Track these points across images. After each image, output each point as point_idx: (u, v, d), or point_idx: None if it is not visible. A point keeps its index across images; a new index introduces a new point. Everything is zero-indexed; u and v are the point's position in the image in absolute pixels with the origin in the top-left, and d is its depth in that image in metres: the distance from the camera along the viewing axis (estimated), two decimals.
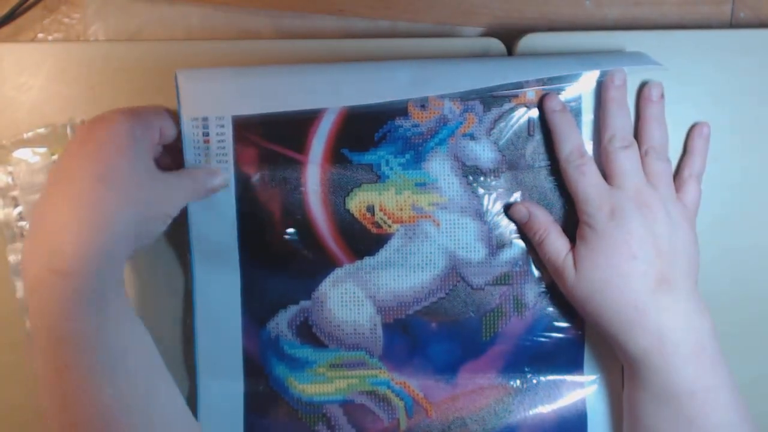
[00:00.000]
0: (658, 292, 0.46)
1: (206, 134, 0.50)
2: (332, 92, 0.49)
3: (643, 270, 0.46)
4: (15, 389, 0.53)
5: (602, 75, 0.50)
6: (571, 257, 0.48)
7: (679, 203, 0.49)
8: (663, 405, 0.46)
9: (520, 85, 0.50)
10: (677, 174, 0.51)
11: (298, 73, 0.50)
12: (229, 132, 0.50)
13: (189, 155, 0.50)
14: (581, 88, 0.50)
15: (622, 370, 0.51)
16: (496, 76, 0.49)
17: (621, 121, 0.49)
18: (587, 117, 0.50)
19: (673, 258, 0.47)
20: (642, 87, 0.51)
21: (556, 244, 0.49)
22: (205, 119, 0.49)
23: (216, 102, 0.49)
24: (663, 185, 0.48)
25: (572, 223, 0.50)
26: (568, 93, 0.50)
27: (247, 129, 0.50)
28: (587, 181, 0.48)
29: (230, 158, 0.50)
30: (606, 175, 0.48)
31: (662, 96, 0.50)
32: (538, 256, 0.51)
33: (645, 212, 0.47)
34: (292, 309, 0.52)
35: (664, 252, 0.46)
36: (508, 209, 0.51)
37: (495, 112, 0.51)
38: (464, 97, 0.50)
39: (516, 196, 0.51)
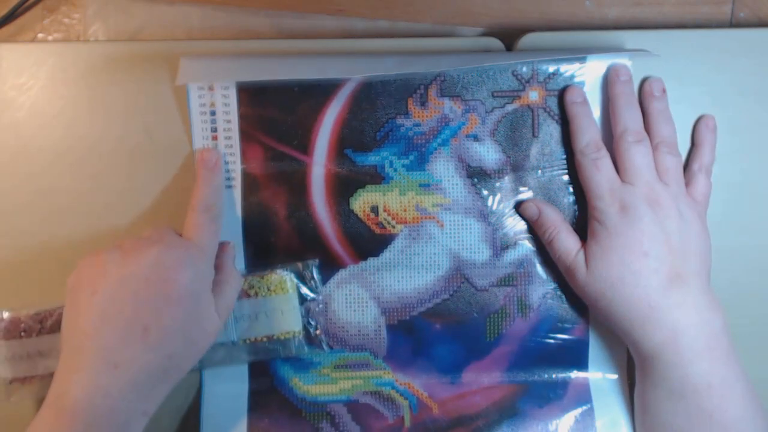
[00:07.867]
0: (670, 289, 0.46)
1: (214, 129, 0.50)
2: (324, 65, 0.50)
3: (655, 267, 0.46)
4: None
5: (607, 72, 0.50)
6: (582, 255, 0.48)
7: (689, 199, 0.49)
8: (680, 400, 0.46)
9: (516, 74, 0.50)
10: (686, 168, 0.51)
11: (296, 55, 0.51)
12: (235, 122, 0.50)
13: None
14: (586, 77, 0.50)
15: (628, 370, 0.52)
16: (483, 60, 0.50)
17: (631, 115, 0.49)
18: (594, 113, 0.51)
19: (685, 254, 0.47)
20: (643, 84, 0.51)
21: (567, 242, 0.49)
22: (212, 105, 0.50)
23: (219, 71, 0.49)
24: (674, 181, 0.48)
25: (580, 223, 0.51)
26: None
27: (252, 124, 0.50)
28: (601, 176, 0.48)
29: (237, 158, 0.50)
30: (618, 169, 0.48)
31: (664, 91, 0.51)
32: (545, 257, 0.51)
33: (656, 209, 0.47)
34: None
35: (676, 248, 0.47)
36: (518, 207, 0.51)
37: (498, 113, 0.51)
38: (465, 96, 0.50)
39: (520, 197, 0.51)
